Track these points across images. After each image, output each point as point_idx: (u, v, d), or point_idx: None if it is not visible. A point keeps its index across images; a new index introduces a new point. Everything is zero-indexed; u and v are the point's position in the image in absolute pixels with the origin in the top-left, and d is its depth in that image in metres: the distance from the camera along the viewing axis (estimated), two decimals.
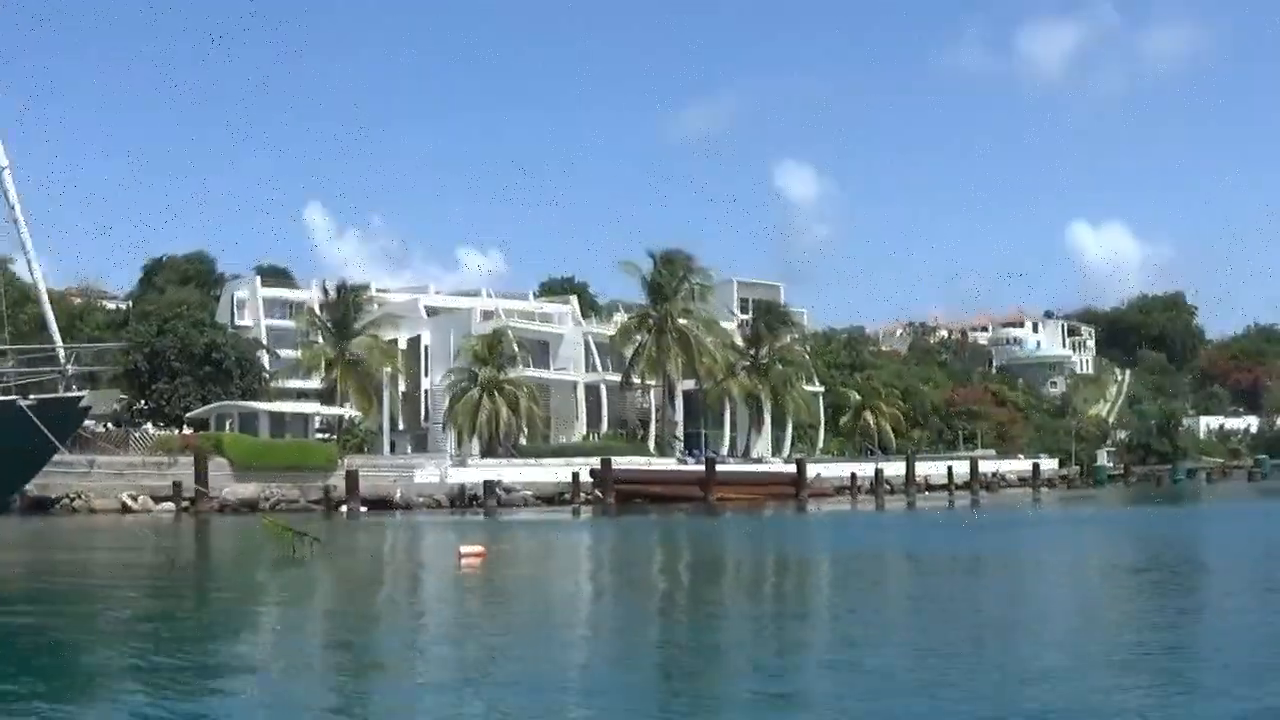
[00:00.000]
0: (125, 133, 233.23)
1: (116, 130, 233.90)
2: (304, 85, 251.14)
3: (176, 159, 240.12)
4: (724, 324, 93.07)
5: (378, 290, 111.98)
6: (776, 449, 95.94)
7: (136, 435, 76.63)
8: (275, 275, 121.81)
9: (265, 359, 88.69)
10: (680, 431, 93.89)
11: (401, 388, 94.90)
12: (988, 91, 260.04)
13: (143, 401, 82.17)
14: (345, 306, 78.99)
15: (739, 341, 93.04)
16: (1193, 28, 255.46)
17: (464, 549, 26.23)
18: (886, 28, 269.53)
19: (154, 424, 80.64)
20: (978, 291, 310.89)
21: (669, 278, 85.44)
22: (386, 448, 74.30)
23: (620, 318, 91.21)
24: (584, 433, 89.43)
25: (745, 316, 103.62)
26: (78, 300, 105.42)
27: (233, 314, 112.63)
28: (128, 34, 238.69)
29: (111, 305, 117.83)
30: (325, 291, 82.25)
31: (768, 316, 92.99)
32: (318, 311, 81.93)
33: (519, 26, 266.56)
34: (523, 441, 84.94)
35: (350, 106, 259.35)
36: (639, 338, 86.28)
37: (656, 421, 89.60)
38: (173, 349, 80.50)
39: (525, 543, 37.50)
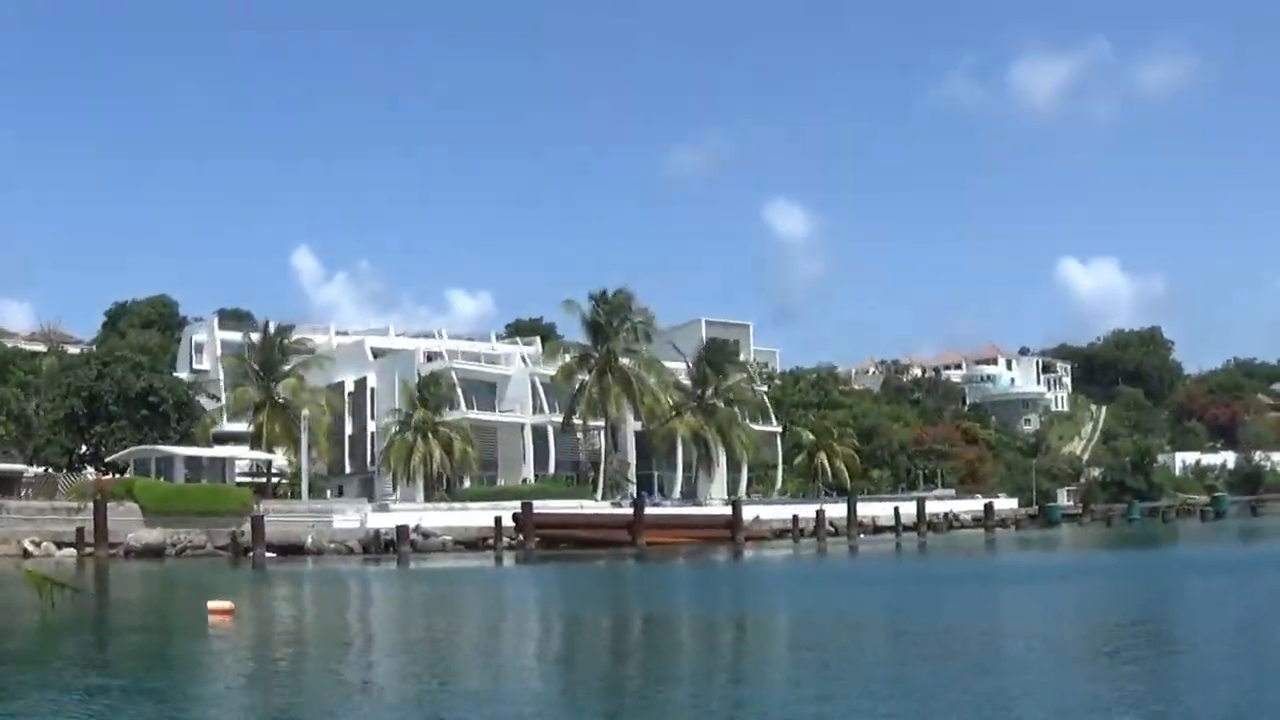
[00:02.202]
0: (104, 177, 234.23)
1: (97, 174, 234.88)
2: (293, 125, 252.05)
3: (160, 204, 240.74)
4: (671, 364, 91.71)
5: (337, 332, 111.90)
6: (732, 490, 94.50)
7: (68, 480, 76.20)
8: (238, 318, 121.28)
9: (218, 403, 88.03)
10: (633, 474, 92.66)
11: (349, 430, 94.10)
12: (980, 126, 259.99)
13: (83, 446, 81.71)
14: (270, 349, 78.07)
15: (686, 382, 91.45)
16: (1186, 62, 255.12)
17: (212, 604, 25.19)
18: (878, 62, 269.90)
19: (94, 468, 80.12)
20: (967, 328, 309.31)
21: (609, 317, 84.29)
22: (305, 492, 73.02)
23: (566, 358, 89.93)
24: (531, 475, 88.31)
25: None
26: (22, 345, 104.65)
27: (191, 357, 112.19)
28: (121, 71, 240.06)
29: (74, 350, 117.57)
30: (247, 334, 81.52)
31: (714, 355, 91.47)
32: (245, 355, 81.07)
33: (512, 68, 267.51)
34: (467, 484, 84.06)
35: (341, 149, 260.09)
36: (582, 378, 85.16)
37: (607, 464, 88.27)
38: (110, 393, 79.96)
39: (329, 594, 36.21)
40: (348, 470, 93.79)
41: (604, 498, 79.99)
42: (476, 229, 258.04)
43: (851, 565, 53.38)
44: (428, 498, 78.57)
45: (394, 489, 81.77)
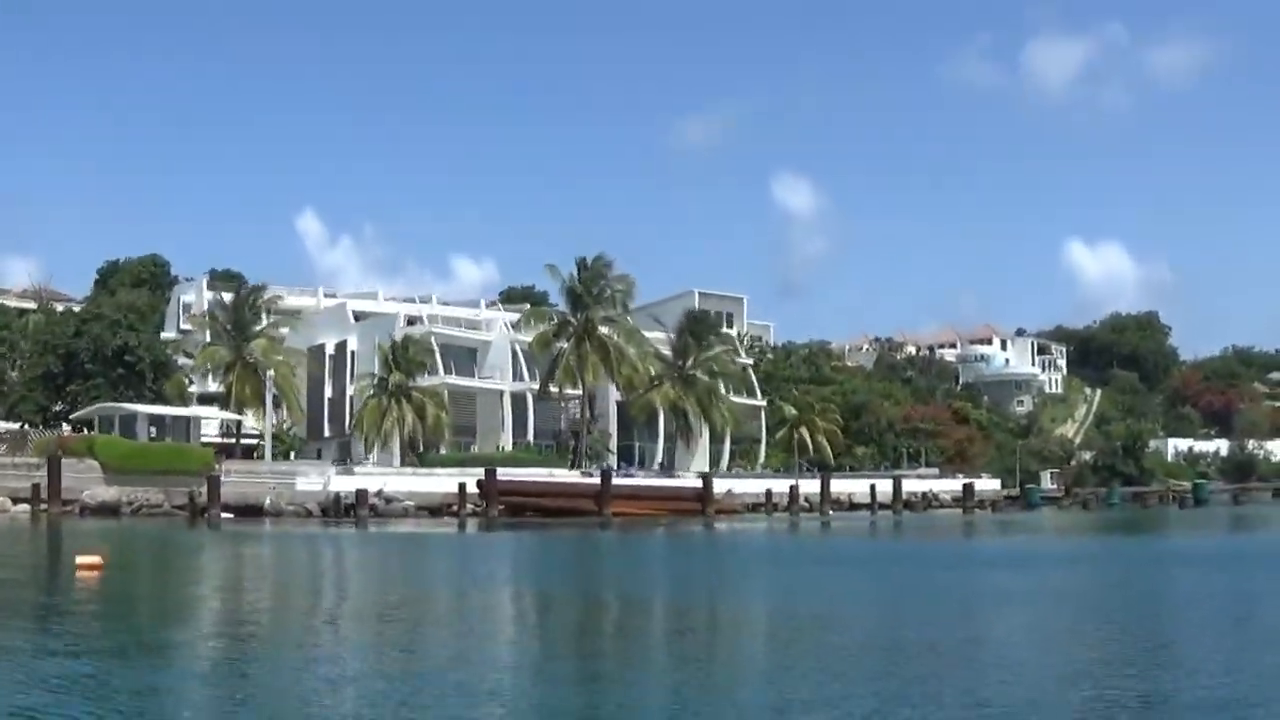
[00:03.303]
0: (113, 134, 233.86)
1: (106, 132, 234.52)
2: (298, 88, 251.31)
3: (167, 164, 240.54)
4: (657, 335, 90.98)
5: (326, 295, 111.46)
6: (714, 463, 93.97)
7: (39, 436, 76.08)
8: (229, 279, 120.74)
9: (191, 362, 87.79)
10: (614, 444, 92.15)
11: (329, 393, 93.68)
12: (991, 106, 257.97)
13: (59, 404, 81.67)
14: (242, 308, 77.65)
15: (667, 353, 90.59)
16: (1200, 49, 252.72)
17: (80, 559, 24.88)
18: (891, 41, 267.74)
19: (70, 425, 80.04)
20: (970, 310, 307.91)
21: (588, 285, 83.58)
22: (268, 453, 72.69)
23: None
24: (510, 442, 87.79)
25: None
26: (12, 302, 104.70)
27: (179, 317, 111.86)
28: (124, 38, 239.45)
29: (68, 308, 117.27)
30: (219, 294, 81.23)
31: (696, 326, 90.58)
32: (217, 315, 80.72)
33: (518, 37, 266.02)
34: (443, 450, 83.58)
35: (346, 112, 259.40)
36: (560, 345, 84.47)
37: (587, 433, 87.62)
38: (87, 351, 79.93)
39: (236, 554, 35.70)
40: (327, 433, 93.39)
41: (574, 467, 79.44)
42: (483, 196, 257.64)
43: (806, 543, 52.96)
44: (403, 462, 78.27)
45: (367, 453, 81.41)
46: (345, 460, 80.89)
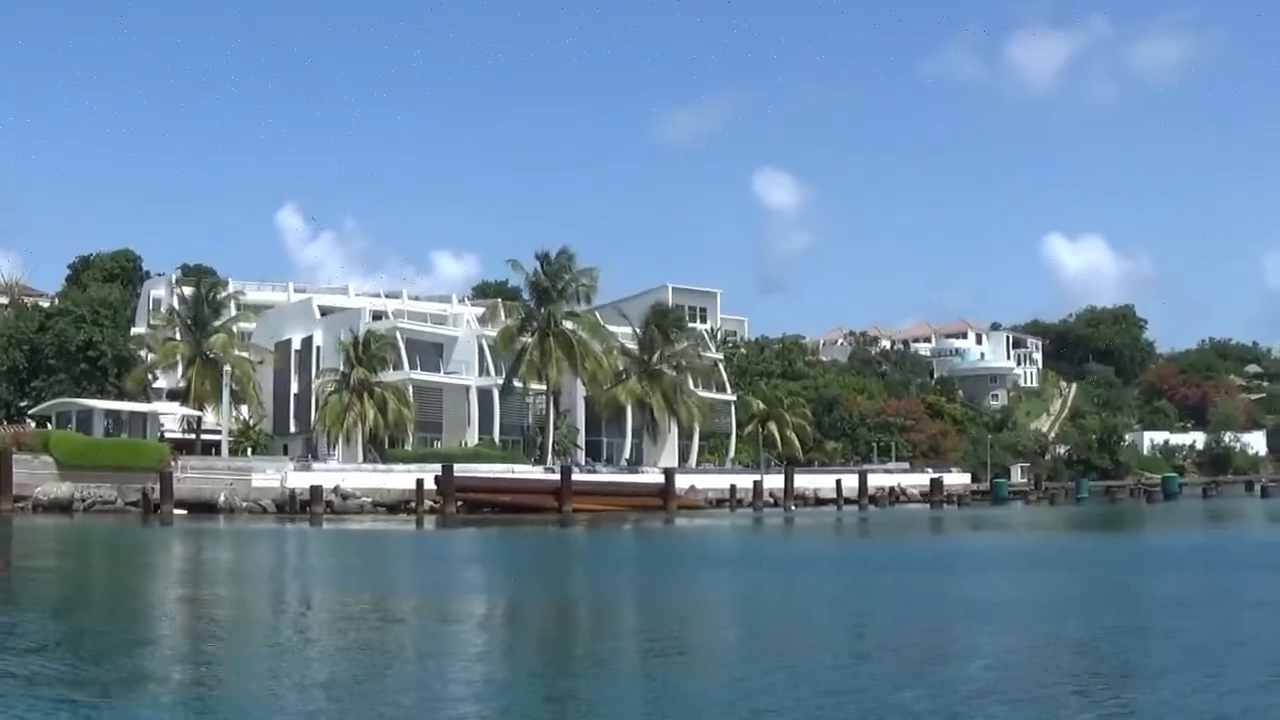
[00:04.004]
0: (87, 131, 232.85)
1: (95, 124, 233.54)
2: (280, 83, 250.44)
3: (142, 160, 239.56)
4: (617, 329, 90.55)
5: (296, 290, 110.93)
6: (683, 458, 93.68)
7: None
8: (200, 274, 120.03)
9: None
10: (582, 439, 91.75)
11: (295, 389, 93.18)
12: (975, 101, 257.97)
13: (24, 399, 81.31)
14: (200, 303, 77.26)
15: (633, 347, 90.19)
16: (1186, 44, 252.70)
17: None
18: (875, 36, 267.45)
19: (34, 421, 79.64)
20: (954, 303, 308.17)
21: (552, 279, 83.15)
22: (225, 448, 72.25)
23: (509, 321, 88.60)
24: (475, 438, 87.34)
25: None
26: None
27: (149, 312, 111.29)
28: (107, 28, 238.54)
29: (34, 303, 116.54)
30: (176, 285, 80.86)
31: (661, 321, 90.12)
32: (178, 309, 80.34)
33: (502, 32, 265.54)
34: (408, 446, 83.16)
35: (329, 107, 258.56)
36: (524, 340, 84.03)
37: (555, 429, 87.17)
38: (51, 346, 79.66)
39: (162, 554, 35.49)
40: (293, 429, 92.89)
41: (537, 463, 79.05)
42: (465, 191, 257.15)
43: (761, 541, 52.78)
44: (366, 458, 77.84)
45: (330, 448, 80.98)
46: (308, 456, 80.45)
